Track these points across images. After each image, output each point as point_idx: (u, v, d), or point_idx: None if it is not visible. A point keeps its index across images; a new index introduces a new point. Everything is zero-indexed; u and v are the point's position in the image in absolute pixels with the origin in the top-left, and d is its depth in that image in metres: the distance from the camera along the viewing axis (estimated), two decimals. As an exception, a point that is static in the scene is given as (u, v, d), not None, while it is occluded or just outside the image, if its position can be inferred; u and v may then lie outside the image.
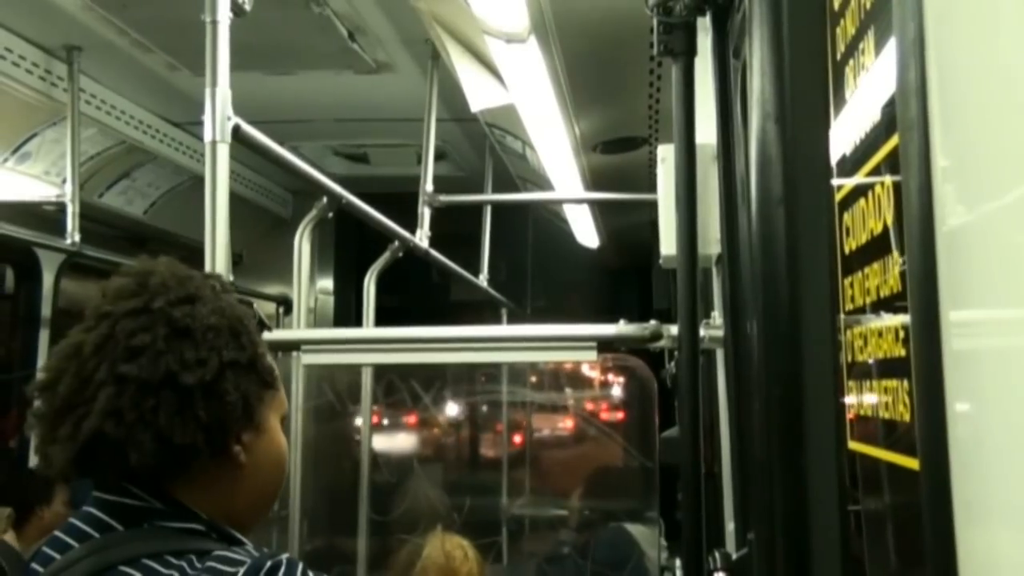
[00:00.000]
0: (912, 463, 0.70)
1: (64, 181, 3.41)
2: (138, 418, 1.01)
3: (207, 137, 1.74)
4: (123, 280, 1.11)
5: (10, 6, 2.84)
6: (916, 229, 0.61)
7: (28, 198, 3.54)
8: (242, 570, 0.99)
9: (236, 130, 1.76)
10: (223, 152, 1.74)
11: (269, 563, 1.01)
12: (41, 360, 3.81)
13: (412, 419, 4.54)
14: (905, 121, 0.62)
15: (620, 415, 4.60)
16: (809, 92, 0.66)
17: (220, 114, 1.73)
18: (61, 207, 3.40)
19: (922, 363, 0.62)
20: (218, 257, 1.73)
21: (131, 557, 0.99)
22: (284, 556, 1.04)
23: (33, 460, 3.78)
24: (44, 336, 3.87)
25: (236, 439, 1.10)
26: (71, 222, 3.38)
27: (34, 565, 1.02)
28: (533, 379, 4.79)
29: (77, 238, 3.40)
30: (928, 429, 0.61)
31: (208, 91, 1.73)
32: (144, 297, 1.07)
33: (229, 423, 1.08)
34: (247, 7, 1.82)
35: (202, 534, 1.06)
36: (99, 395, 1.02)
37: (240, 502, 1.13)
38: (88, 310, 1.09)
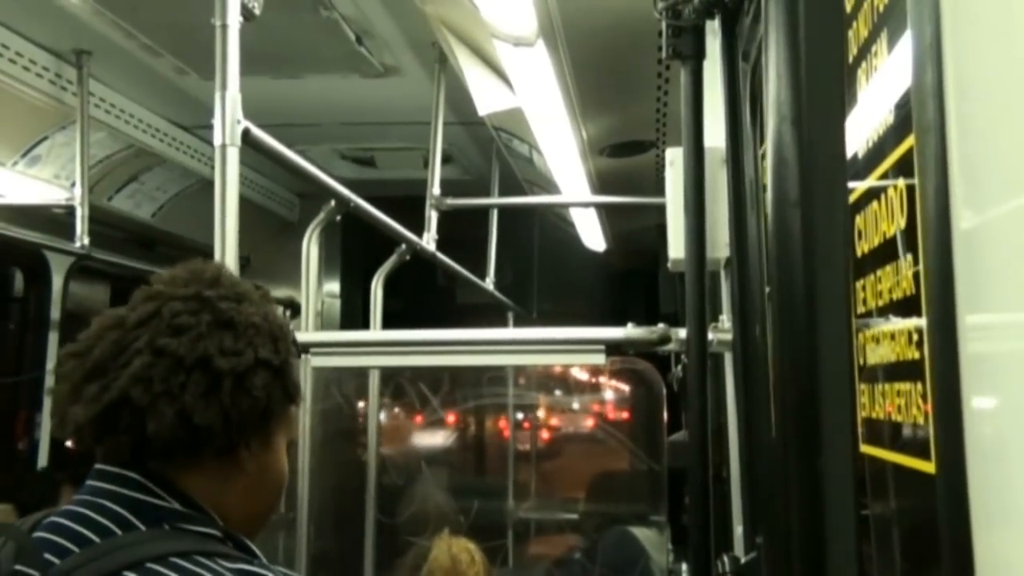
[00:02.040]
0: (926, 466, 0.70)
1: (73, 184, 3.42)
2: (165, 390, 1.03)
3: (217, 141, 1.74)
4: (178, 271, 1.15)
5: (20, 11, 2.85)
6: (933, 231, 0.61)
7: (38, 201, 3.55)
8: None
9: (246, 134, 1.77)
10: (233, 155, 1.74)
11: None
12: (50, 363, 3.82)
13: (419, 422, 4.54)
14: (922, 123, 0.62)
15: (628, 418, 4.60)
16: (826, 95, 0.66)
17: (230, 118, 1.74)
18: (70, 210, 3.41)
19: (939, 365, 0.62)
20: (227, 260, 1.73)
21: (159, 555, 0.99)
22: None
23: (42, 461, 3.80)
24: (53, 339, 3.89)
25: (247, 444, 1.11)
26: (80, 225, 3.39)
27: (47, 555, 1.00)
28: (540, 382, 4.79)
29: (86, 241, 3.41)
30: (945, 432, 0.61)
31: (218, 95, 1.74)
32: (196, 287, 1.11)
33: (248, 419, 1.09)
34: (256, 11, 1.82)
35: (219, 540, 1.07)
36: (134, 361, 1.04)
37: (238, 508, 1.13)
38: (136, 293, 1.13)
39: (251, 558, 1.06)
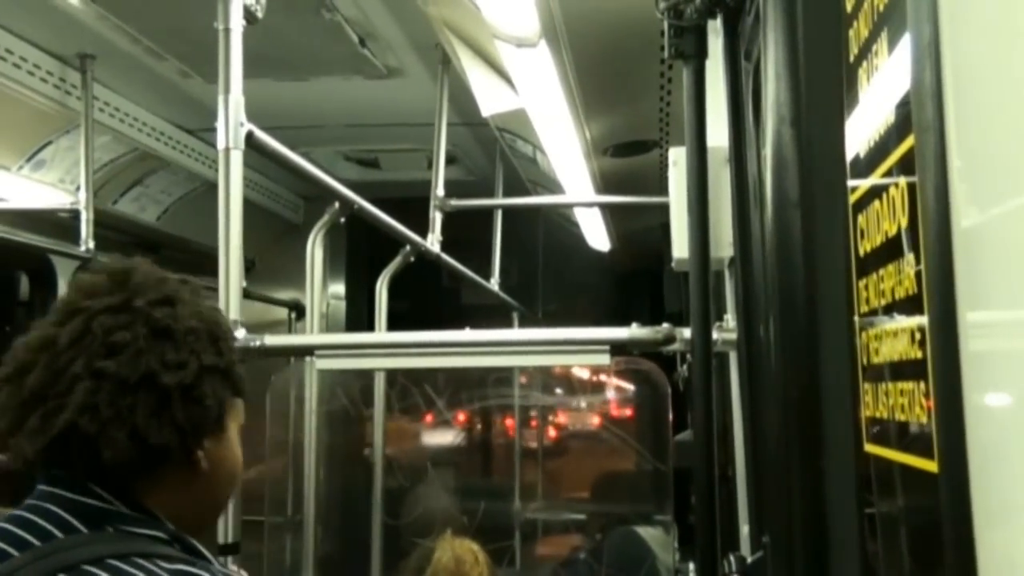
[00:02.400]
0: (930, 465, 0.70)
1: (78, 188, 3.43)
2: (115, 415, 1.00)
3: (220, 144, 1.75)
4: (97, 277, 1.09)
5: (25, 16, 2.86)
6: (933, 230, 0.61)
7: (43, 205, 3.56)
8: None
9: (249, 136, 1.77)
10: (236, 158, 1.75)
11: None
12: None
13: (424, 423, 4.54)
14: (921, 123, 0.62)
15: (633, 418, 4.60)
16: (825, 95, 0.66)
17: (233, 121, 1.74)
18: (75, 214, 3.42)
19: (940, 364, 0.62)
20: (232, 263, 1.74)
21: (96, 557, 0.98)
22: None
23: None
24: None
25: (201, 447, 1.10)
26: (85, 229, 3.40)
27: None
28: (545, 383, 4.79)
29: (91, 245, 3.42)
30: (946, 431, 0.61)
31: (221, 98, 1.74)
32: (123, 295, 1.06)
33: (204, 428, 1.08)
34: (259, 14, 1.83)
35: (165, 543, 1.05)
36: (75, 388, 1.00)
37: (194, 507, 1.12)
38: (57, 304, 1.08)
39: (194, 559, 1.04)
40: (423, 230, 3.21)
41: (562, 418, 5.03)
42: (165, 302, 1.08)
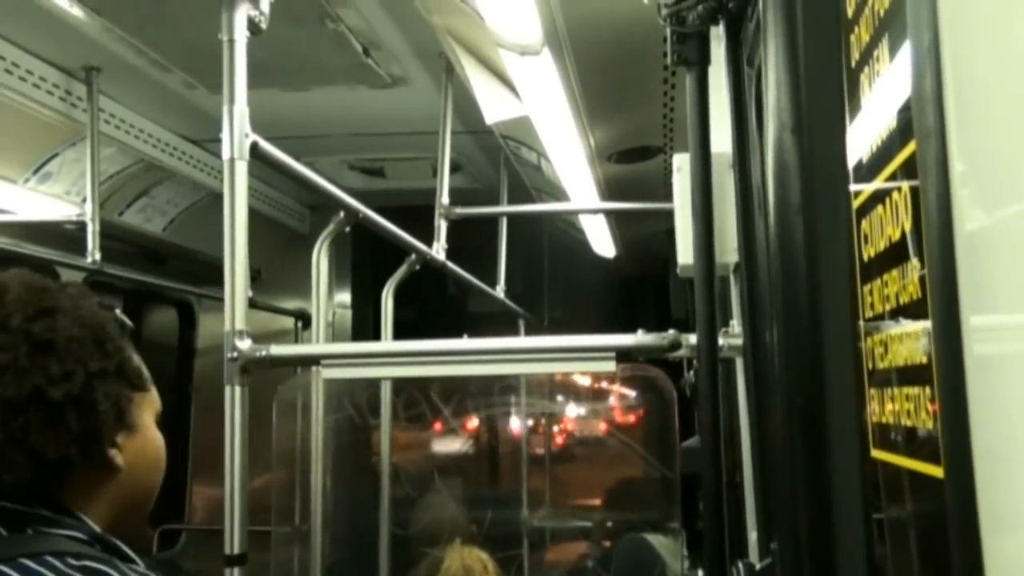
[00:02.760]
0: (935, 471, 0.69)
1: (84, 200, 3.45)
2: (8, 437, 1.01)
3: (225, 154, 1.75)
4: None
5: (30, 29, 2.88)
6: (935, 235, 0.61)
7: (49, 218, 3.58)
8: None
9: (254, 147, 1.78)
10: (241, 169, 1.76)
11: None
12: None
13: (431, 431, 4.54)
14: (922, 128, 0.62)
15: (640, 425, 4.59)
16: (826, 102, 0.66)
17: (238, 131, 1.75)
18: (82, 226, 3.44)
19: (944, 369, 0.62)
20: (237, 273, 1.75)
21: (9, 556, 1.00)
22: None
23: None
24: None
25: (111, 443, 1.11)
26: (91, 241, 3.41)
27: None
28: (552, 391, 4.79)
29: (98, 256, 3.43)
30: (952, 436, 0.61)
31: (226, 109, 1.75)
32: (0, 315, 1.06)
33: (102, 431, 1.09)
34: (263, 25, 1.83)
35: (83, 542, 1.06)
36: None
37: (123, 501, 1.15)
38: None
39: (109, 557, 1.06)
40: (428, 238, 3.22)
41: (569, 425, 5.02)
42: (44, 314, 1.07)
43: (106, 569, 1.02)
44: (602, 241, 5.08)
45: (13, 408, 1.02)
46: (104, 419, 1.08)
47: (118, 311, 1.21)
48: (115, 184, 3.85)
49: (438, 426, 4.55)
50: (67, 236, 3.63)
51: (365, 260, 5.66)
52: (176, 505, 5.04)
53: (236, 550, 1.67)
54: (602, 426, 4.84)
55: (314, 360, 2.08)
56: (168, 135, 3.92)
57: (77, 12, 2.65)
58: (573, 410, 5.00)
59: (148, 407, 1.20)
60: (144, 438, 1.17)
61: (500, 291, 4.42)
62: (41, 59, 3.08)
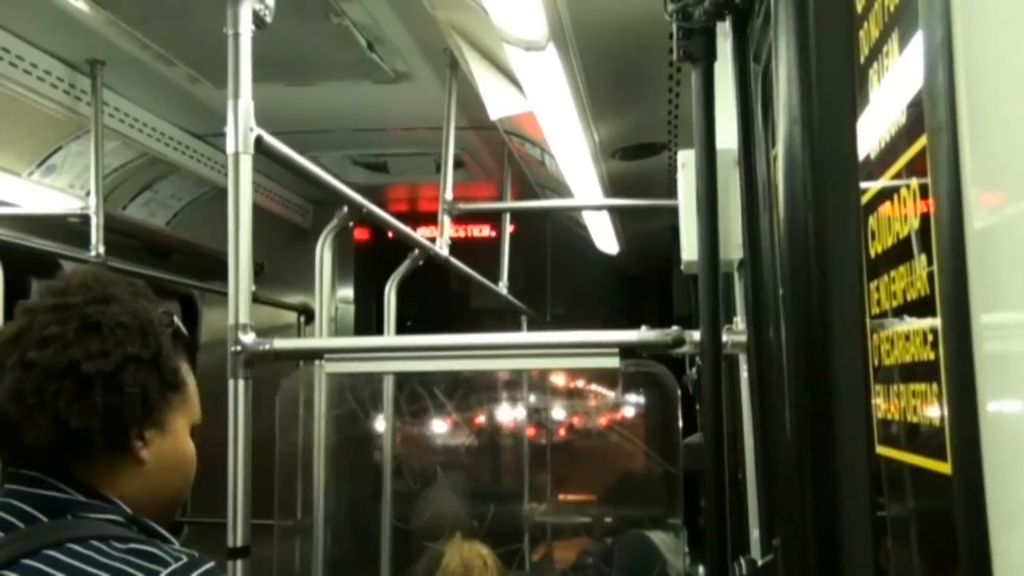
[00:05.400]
0: (943, 467, 0.69)
1: (88, 194, 3.45)
2: (38, 401, 1.09)
3: (230, 149, 1.75)
4: (54, 282, 1.21)
5: (35, 22, 2.88)
6: (946, 232, 0.61)
7: (53, 211, 3.58)
8: (165, 571, 1.06)
9: (258, 141, 1.78)
10: (246, 163, 1.75)
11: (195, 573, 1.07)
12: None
13: (433, 426, 4.54)
14: (934, 124, 0.62)
15: (643, 421, 4.59)
16: (836, 96, 0.66)
17: (243, 126, 1.74)
18: (85, 219, 3.43)
19: (954, 366, 0.62)
20: (241, 267, 1.74)
21: (56, 541, 1.06)
22: (208, 565, 1.10)
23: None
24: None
25: (138, 435, 1.17)
26: (95, 234, 3.41)
27: None
28: (555, 386, 4.79)
29: (101, 250, 3.43)
30: (960, 433, 0.60)
31: (230, 103, 1.75)
32: (65, 296, 1.16)
33: (126, 413, 1.14)
34: (268, 19, 1.83)
35: (122, 525, 1.13)
36: (6, 378, 1.11)
37: (146, 499, 1.19)
38: (16, 308, 1.19)
39: (152, 539, 1.13)
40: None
41: (571, 421, 5.02)
42: (101, 300, 1.17)
43: (152, 550, 1.08)
44: (605, 238, 5.08)
45: (50, 375, 1.10)
46: (129, 401, 1.14)
47: (176, 318, 1.25)
48: (119, 178, 3.85)
49: (440, 421, 4.55)
50: (71, 229, 3.63)
51: (368, 255, 5.66)
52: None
53: (239, 543, 1.68)
54: (604, 422, 4.84)
55: (317, 354, 2.08)
56: (172, 129, 3.92)
57: (82, 5, 2.65)
58: (575, 406, 5.01)
59: (184, 413, 1.25)
60: (173, 441, 1.23)
61: (503, 287, 4.42)
62: (46, 52, 3.08)
